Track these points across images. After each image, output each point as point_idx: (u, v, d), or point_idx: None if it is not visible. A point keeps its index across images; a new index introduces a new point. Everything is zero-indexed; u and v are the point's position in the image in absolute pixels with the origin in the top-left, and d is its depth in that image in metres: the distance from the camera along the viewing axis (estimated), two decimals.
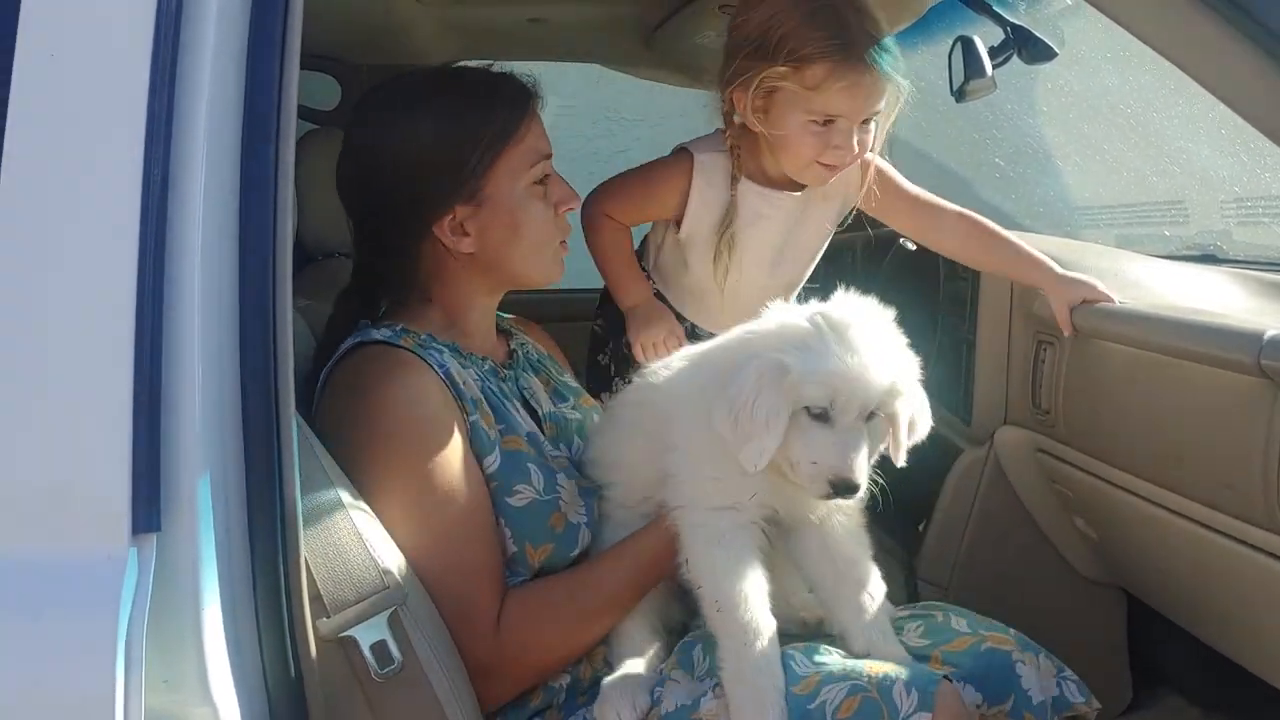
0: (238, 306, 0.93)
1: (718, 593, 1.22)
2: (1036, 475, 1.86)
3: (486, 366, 1.40)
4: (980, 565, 1.94)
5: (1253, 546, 1.29)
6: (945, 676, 1.19)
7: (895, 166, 1.79)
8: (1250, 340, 1.25)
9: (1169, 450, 1.44)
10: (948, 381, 1.98)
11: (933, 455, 1.68)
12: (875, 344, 1.21)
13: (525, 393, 1.44)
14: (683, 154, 1.68)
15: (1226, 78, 1.19)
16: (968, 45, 1.95)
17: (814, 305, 1.24)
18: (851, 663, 1.20)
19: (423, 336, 1.35)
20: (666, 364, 1.40)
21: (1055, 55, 1.99)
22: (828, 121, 1.54)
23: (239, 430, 0.93)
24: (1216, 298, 1.73)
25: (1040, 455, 1.82)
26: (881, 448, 1.26)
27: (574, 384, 1.57)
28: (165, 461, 0.87)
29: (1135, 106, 2.23)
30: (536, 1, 2.32)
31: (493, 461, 1.31)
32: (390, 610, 1.07)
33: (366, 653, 1.04)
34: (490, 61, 1.39)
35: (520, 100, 1.35)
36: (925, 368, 1.28)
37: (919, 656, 1.25)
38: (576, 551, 1.34)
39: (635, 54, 2.52)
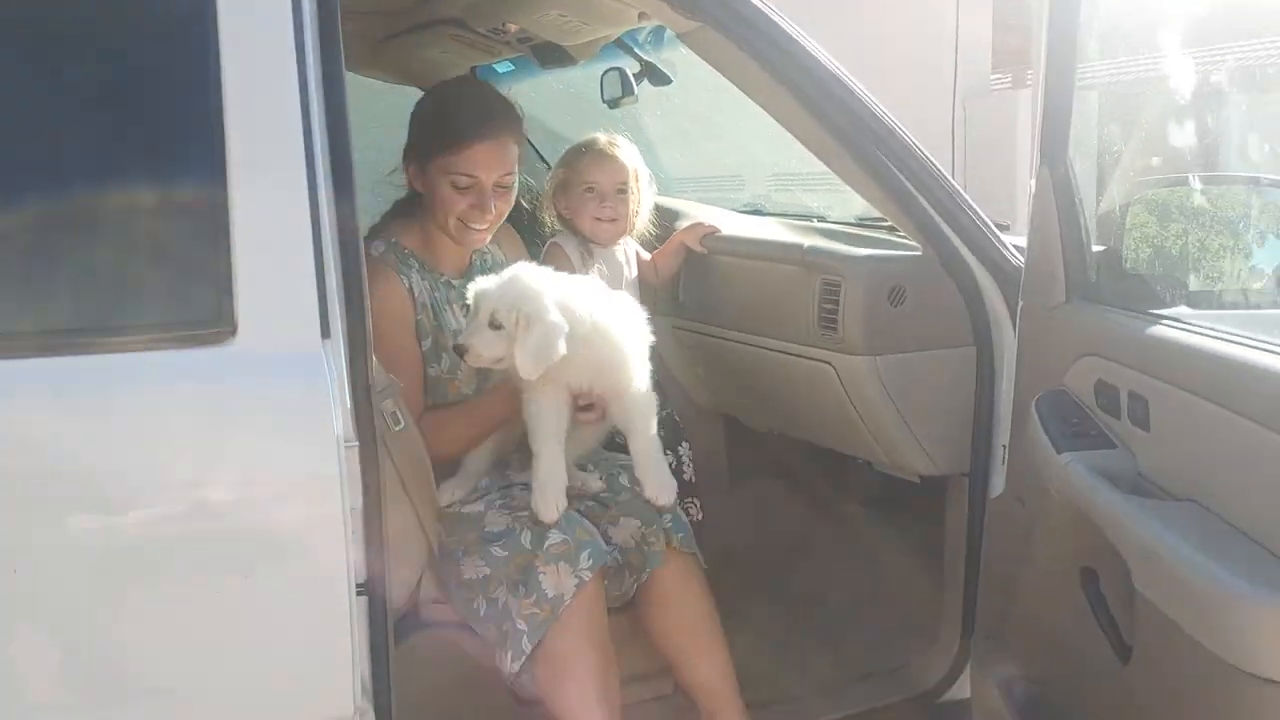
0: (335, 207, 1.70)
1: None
2: (674, 343, 2.97)
3: (442, 279, 2.23)
4: None
5: (804, 357, 2.47)
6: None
7: (545, 154, 2.83)
8: (798, 247, 2.43)
9: (756, 311, 2.60)
10: None
11: None
12: (507, 285, 2.01)
13: (463, 299, 2.20)
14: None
15: (774, 103, 2.31)
16: (622, 74, 2.99)
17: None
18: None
19: (406, 252, 2.20)
20: None
21: (671, 81, 3.09)
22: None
23: (343, 290, 1.72)
24: (765, 233, 2.93)
25: (676, 330, 2.94)
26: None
27: None
28: (326, 302, 1.66)
29: (713, 111, 3.42)
30: None
31: (427, 345, 2.18)
32: (396, 396, 1.92)
33: (388, 417, 1.89)
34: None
35: (470, 130, 2.14)
36: None
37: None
38: None
39: (366, 58, 3.28)
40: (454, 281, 2.27)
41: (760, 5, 2.09)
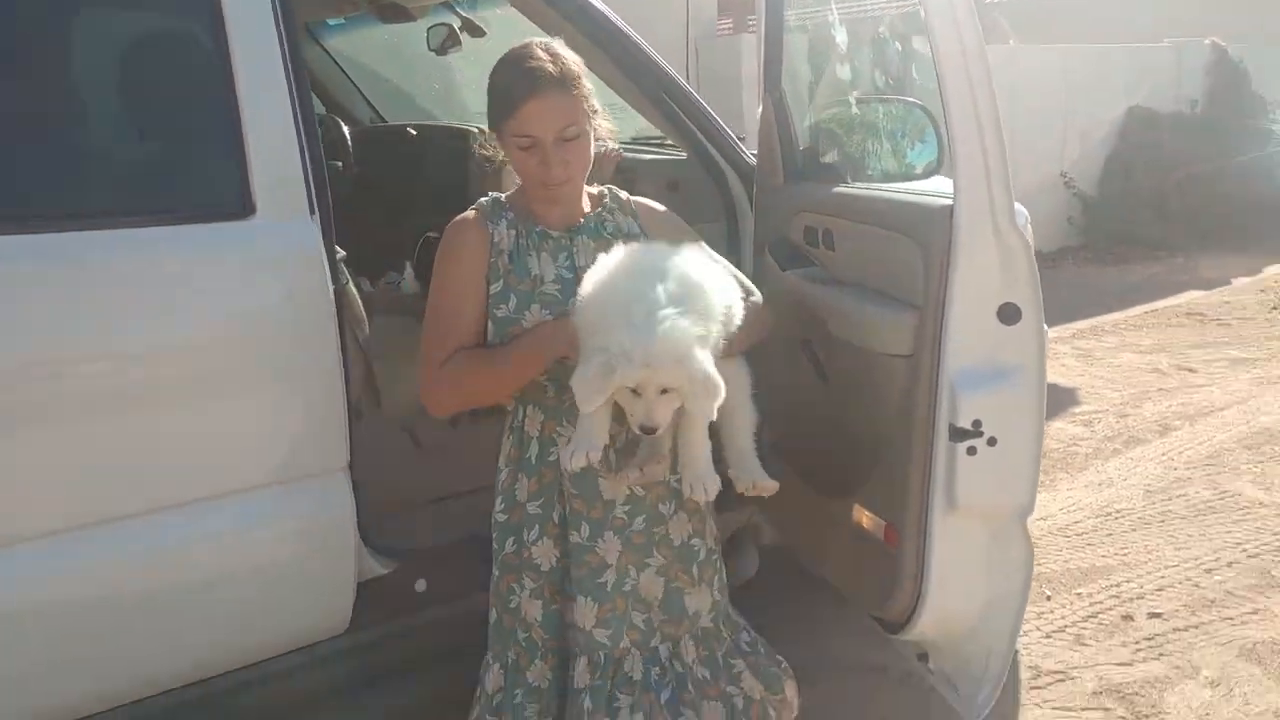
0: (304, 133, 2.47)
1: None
2: None
3: (536, 229, 2.13)
4: None
5: None
6: None
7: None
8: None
9: None
10: None
11: None
12: (657, 351, 1.79)
13: (576, 254, 2.12)
14: None
15: (578, 51, 3.22)
16: (449, 28, 3.80)
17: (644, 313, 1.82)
18: None
19: (504, 205, 2.17)
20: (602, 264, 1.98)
21: (485, 33, 3.93)
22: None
23: (314, 183, 2.49)
24: None
25: None
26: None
27: None
28: (310, 190, 2.44)
29: None
30: None
31: (496, 287, 2.10)
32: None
33: None
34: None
35: (516, 92, 2.02)
36: None
37: None
38: None
39: None
40: (552, 233, 2.17)
41: None
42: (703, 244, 2.17)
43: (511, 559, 2.27)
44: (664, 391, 1.85)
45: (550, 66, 2.04)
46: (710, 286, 1.94)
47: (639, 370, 1.82)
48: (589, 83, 2.11)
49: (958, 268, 2.17)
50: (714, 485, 2.02)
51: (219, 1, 2.28)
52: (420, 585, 2.75)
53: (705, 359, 1.84)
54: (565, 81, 2.05)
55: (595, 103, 2.12)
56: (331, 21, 4.30)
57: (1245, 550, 4.20)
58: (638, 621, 2.19)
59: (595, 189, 2.26)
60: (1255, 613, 3.72)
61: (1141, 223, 10.77)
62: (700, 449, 2.02)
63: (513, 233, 2.16)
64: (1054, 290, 8.60)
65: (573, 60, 2.09)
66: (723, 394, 1.86)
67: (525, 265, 2.14)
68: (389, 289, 3.77)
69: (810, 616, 2.21)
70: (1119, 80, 11.27)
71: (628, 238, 2.17)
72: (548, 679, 2.25)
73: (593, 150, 2.12)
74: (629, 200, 2.27)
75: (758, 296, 2.25)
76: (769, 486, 2.13)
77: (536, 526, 2.22)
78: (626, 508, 2.18)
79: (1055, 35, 11.64)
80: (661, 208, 2.31)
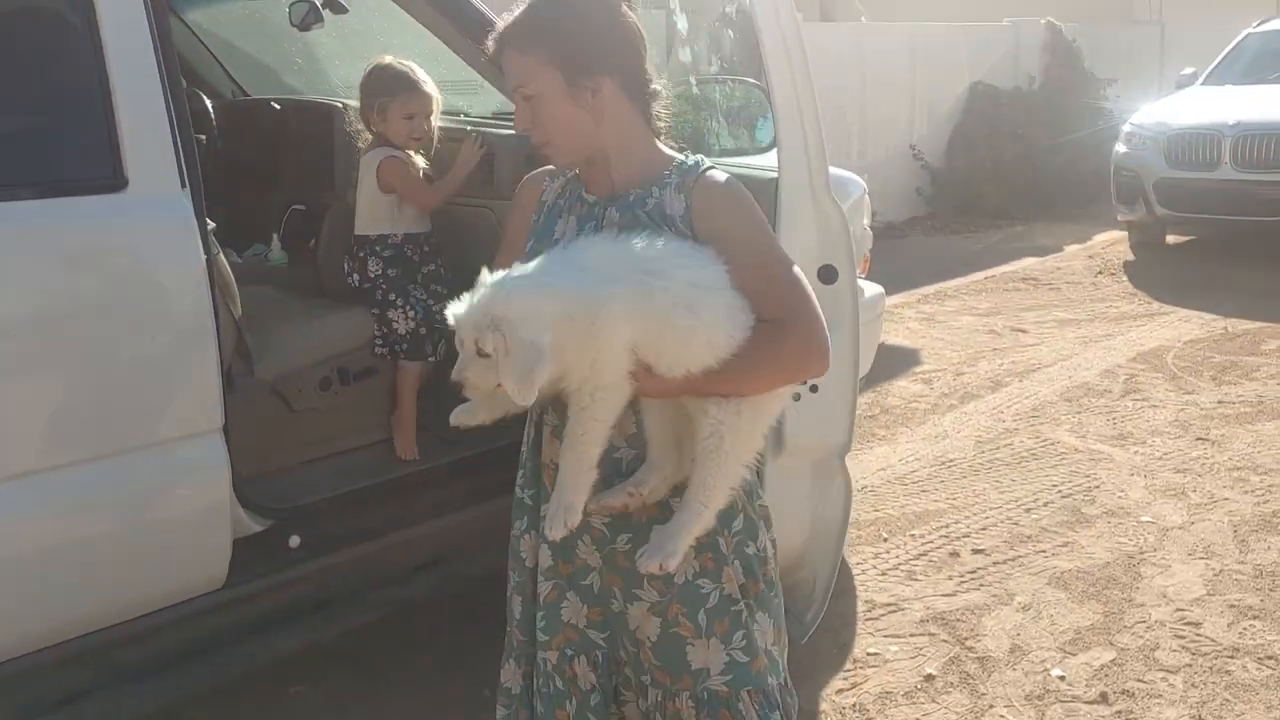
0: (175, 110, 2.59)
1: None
2: None
3: (575, 195, 1.99)
4: None
5: (472, 205, 3.61)
6: None
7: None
8: (471, 133, 3.55)
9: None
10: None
11: None
12: (476, 305, 1.71)
13: (600, 221, 1.92)
14: None
15: (434, 24, 3.38)
16: (310, 4, 3.89)
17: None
18: None
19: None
20: None
21: (347, 10, 4.01)
22: None
23: (185, 159, 2.62)
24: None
25: None
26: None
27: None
28: (180, 165, 2.56)
29: (381, 33, 4.38)
30: None
31: (530, 244, 2.00)
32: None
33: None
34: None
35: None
36: None
37: None
38: None
39: None
40: (588, 197, 1.99)
41: None
42: (761, 244, 1.94)
43: (513, 543, 2.11)
44: (483, 355, 1.71)
45: (508, 25, 1.93)
46: (599, 286, 1.72)
47: (460, 311, 1.75)
48: (575, 42, 1.88)
49: (781, 234, 2.43)
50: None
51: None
52: (294, 541, 2.89)
53: (527, 330, 1.67)
54: (517, 39, 1.90)
55: (578, 63, 1.87)
56: None
57: (1060, 491, 4.64)
58: (625, 656, 2.01)
59: (682, 157, 2.00)
60: (1065, 545, 4.13)
61: (984, 194, 11.37)
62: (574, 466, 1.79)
63: (561, 191, 2.06)
64: (902, 258, 9.18)
65: (547, 16, 1.89)
66: (535, 379, 1.66)
67: (552, 226, 2.02)
68: (256, 260, 3.86)
69: None
70: (963, 57, 11.85)
71: (666, 220, 1.90)
72: (519, 685, 2.10)
73: (576, 115, 1.89)
74: (700, 178, 1.94)
75: (799, 323, 1.88)
76: (652, 567, 1.84)
77: (525, 517, 2.06)
78: (607, 520, 1.95)
79: (902, 14, 12.16)
80: (727, 191, 1.94)
